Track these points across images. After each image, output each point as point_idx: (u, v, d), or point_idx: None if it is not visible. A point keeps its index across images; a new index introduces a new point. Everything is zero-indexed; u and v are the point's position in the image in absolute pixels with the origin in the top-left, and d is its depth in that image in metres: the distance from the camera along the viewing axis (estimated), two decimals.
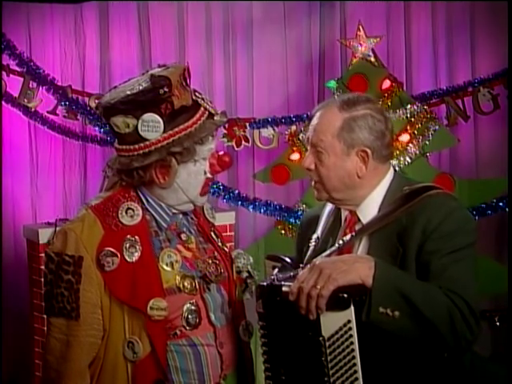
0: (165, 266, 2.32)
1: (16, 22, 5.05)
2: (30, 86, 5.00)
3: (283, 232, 5.06)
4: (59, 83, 5.06)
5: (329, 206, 2.51)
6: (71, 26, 5.17)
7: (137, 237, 2.31)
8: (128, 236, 2.31)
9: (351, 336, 2.15)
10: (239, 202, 5.11)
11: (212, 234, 2.52)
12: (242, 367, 2.47)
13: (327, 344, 2.17)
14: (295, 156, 5.08)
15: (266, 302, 2.25)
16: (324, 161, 2.34)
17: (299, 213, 4.97)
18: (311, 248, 2.43)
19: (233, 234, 4.95)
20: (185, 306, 2.33)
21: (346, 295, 2.15)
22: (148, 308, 2.27)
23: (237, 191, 5.18)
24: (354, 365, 2.16)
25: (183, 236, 2.42)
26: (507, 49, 5.01)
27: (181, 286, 2.33)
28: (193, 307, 2.34)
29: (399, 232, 2.29)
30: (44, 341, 4.61)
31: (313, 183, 2.41)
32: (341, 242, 2.35)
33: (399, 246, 2.28)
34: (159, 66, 2.39)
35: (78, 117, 5.06)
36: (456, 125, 5.37)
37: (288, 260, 2.46)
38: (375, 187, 2.38)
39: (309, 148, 2.39)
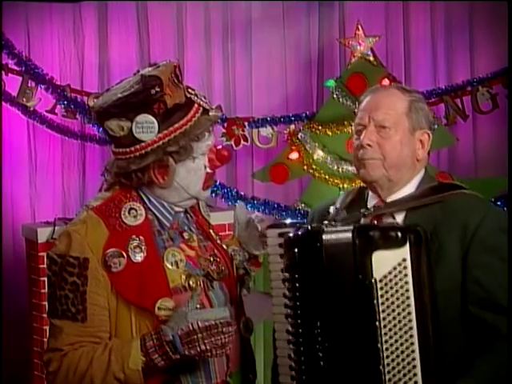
0: (170, 266, 2.30)
1: (15, 21, 5.04)
2: (29, 85, 5.00)
3: None
4: (58, 82, 5.07)
5: (341, 197, 2.52)
6: (70, 25, 5.18)
7: (141, 237, 2.29)
8: (133, 236, 2.29)
9: (406, 275, 2.10)
10: (238, 201, 5.11)
11: (211, 231, 2.51)
12: (245, 365, 2.46)
13: (379, 286, 2.11)
14: (294, 155, 5.08)
15: (301, 250, 2.20)
16: (391, 137, 2.36)
17: (298, 212, 4.97)
18: (332, 211, 2.43)
19: (231, 233, 4.94)
20: (190, 305, 2.31)
21: (399, 232, 2.11)
22: (156, 308, 2.25)
23: (235, 190, 5.19)
24: (408, 306, 2.10)
25: (185, 235, 2.40)
26: (507, 49, 5.01)
27: (186, 284, 2.32)
28: (198, 305, 2.33)
29: (435, 225, 2.30)
30: (43, 340, 4.67)
31: (368, 161, 2.38)
32: (364, 210, 2.36)
33: (435, 239, 2.28)
34: (150, 66, 2.36)
35: (77, 116, 5.06)
36: (455, 124, 5.38)
37: (293, 223, 2.43)
38: (411, 178, 2.41)
39: (368, 126, 2.38)
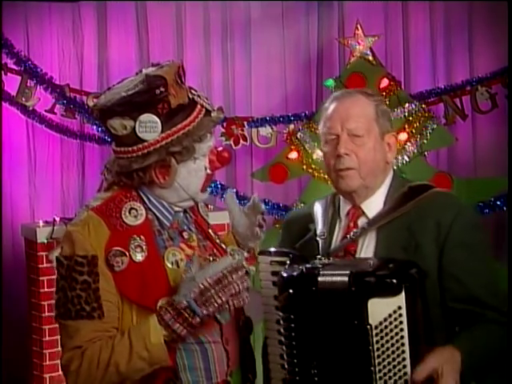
0: (170, 265, 2.30)
1: (14, 21, 5.05)
2: (28, 84, 5.00)
3: None
4: (57, 82, 5.07)
5: (319, 205, 2.52)
6: (69, 25, 5.18)
7: (142, 236, 2.29)
8: (134, 236, 2.29)
9: (401, 323, 2.11)
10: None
11: (210, 231, 2.51)
12: (245, 363, 2.45)
13: (374, 332, 2.11)
14: (293, 155, 5.08)
15: (297, 292, 2.21)
16: (365, 144, 2.37)
17: None
18: (321, 242, 2.42)
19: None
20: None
21: (395, 280, 2.11)
22: (157, 307, 2.24)
23: (235, 190, 5.18)
24: (403, 352, 2.11)
25: (185, 234, 2.40)
26: (507, 48, 5.01)
27: None
28: None
29: (409, 226, 2.33)
30: (42, 340, 4.66)
31: (345, 173, 2.39)
32: (352, 233, 2.37)
33: (411, 240, 2.31)
34: (153, 65, 2.36)
35: (76, 115, 5.07)
36: (454, 124, 5.38)
37: (285, 251, 2.41)
38: (383, 181, 2.43)
39: (342, 135, 2.38)
